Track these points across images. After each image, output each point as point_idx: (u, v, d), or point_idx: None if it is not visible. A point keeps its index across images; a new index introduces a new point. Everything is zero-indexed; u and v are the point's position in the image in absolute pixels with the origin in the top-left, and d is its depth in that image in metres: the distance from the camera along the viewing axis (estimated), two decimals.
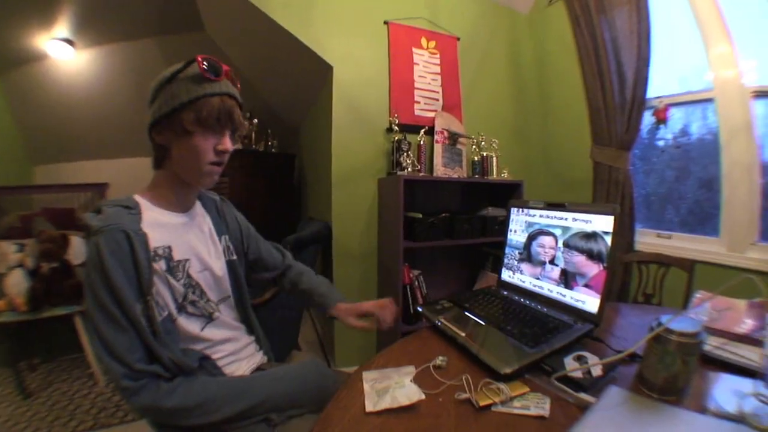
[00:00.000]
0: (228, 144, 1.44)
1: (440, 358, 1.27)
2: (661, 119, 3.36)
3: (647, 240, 3.42)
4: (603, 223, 1.51)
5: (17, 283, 3.66)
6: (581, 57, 3.60)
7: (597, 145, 3.51)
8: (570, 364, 1.18)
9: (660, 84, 3.36)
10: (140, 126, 4.99)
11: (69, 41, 6.10)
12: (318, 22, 3.62)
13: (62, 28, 5.81)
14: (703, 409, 1.00)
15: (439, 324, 1.53)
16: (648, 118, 3.40)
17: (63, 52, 6.20)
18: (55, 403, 3.48)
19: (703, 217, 3.19)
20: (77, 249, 4.17)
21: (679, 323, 1.07)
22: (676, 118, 3.35)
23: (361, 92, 3.72)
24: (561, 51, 4.06)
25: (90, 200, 7.51)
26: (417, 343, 1.47)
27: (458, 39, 4.12)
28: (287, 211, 5.60)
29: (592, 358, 1.19)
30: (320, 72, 3.90)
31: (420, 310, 1.71)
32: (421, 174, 3.62)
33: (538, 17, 4.43)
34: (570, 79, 3.91)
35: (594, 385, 1.09)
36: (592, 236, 1.53)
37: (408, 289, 3.42)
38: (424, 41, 3.96)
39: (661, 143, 3.49)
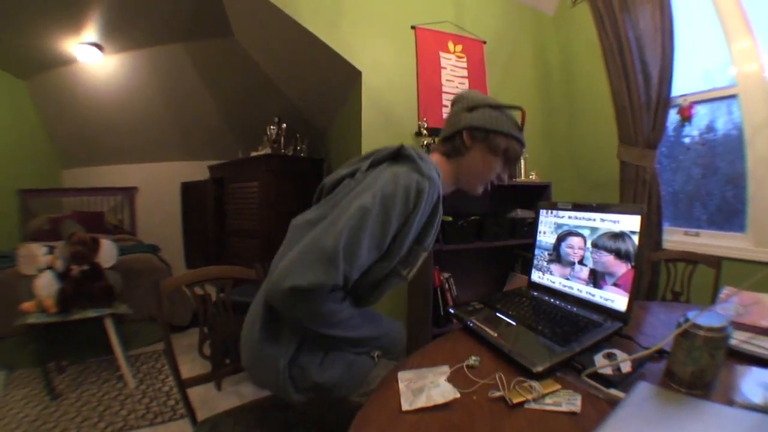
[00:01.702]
0: (505, 179, 1.85)
1: (473, 357, 1.31)
2: (686, 117, 3.36)
3: (675, 238, 3.43)
4: (630, 223, 1.54)
5: (47, 285, 3.71)
6: (606, 56, 3.61)
7: (624, 144, 3.51)
8: (600, 361, 1.21)
9: (684, 81, 3.35)
10: (168, 131, 5.12)
11: (98, 45, 6.14)
12: (346, 27, 3.68)
13: (91, 32, 5.88)
14: (730, 402, 1.03)
15: (471, 325, 1.57)
16: (673, 116, 3.39)
17: (91, 57, 6.27)
18: (84, 404, 3.52)
19: (730, 213, 3.19)
20: (107, 252, 4.19)
21: (706, 318, 1.10)
22: (702, 114, 3.35)
23: (389, 96, 3.84)
24: (586, 51, 4.09)
25: (119, 204, 7.72)
26: (450, 343, 1.51)
27: (484, 42, 4.17)
28: None
29: (621, 355, 1.22)
30: (349, 76, 3.97)
31: (452, 311, 1.75)
32: None
33: (563, 18, 4.45)
34: (596, 78, 3.91)
35: (624, 381, 1.12)
36: (620, 236, 1.57)
37: (438, 292, 3.44)
38: (450, 45, 4.05)
39: (687, 140, 3.50)
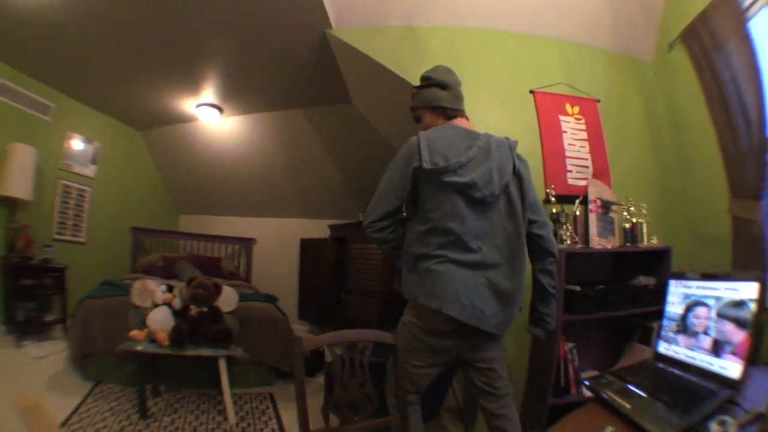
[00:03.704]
0: None
1: (609, 428, 1.58)
2: None
3: None
4: (749, 290, 1.73)
5: (162, 319, 4.20)
6: (708, 101, 3.69)
7: (735, 197, 3.51)
8: (713, 428, 1.46)
9: None
10: (288, 190, 5.81)
11: (217, 107, 6.89)
12: (467, 94, 3.79)
13: (209, 94, 6.57)
14: None
15: (606, 396, 1.83)
16: None
17: (210, 116, 7.07)
18: (177, 429, 3.86)
19: None
20: (228, 298, 4.69)
21: None
22: None
23: None
24: (690, 97, 4.05)
25: (236, 252, 8.92)
26: (587, 414, 1.82)
27: (598, 101, 4.35)
28: None
29: (730, 421, 1.46)
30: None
31: (587, 383, 2.07)
32: (578, 246, 3.77)
33: (663, 64, 4.48)
34: (702, 127, 3.88)
35: None
36: (740, 304, 1.75)
37: (562, 363, 3.55)
38: (568, 107, 4.24)
39: None
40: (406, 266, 2.59)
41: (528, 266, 2.59)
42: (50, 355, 5.46)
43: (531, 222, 2.57)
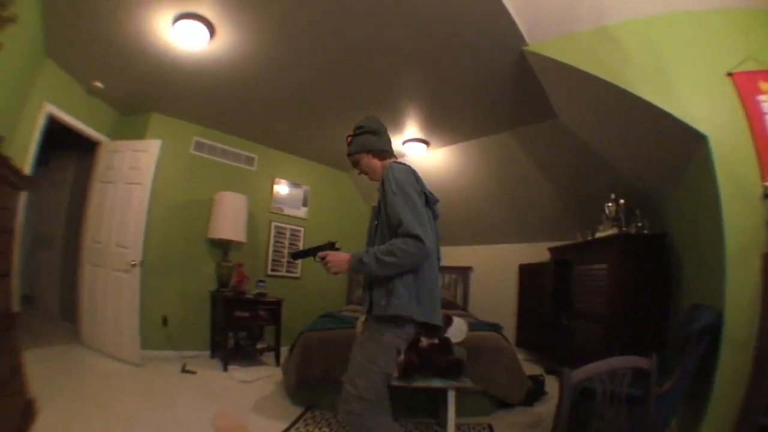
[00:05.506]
0: None
1: None
2: None
3: None
4: None
5: None
6: None
7: None
8: None
9: None
10: (503, 215, 6.83)
11: (422, 141, 7.36)
12: (674, 88, 3.84)
13: (413, 129, 7.02)
14: None
15: None
16: None
17: (417, 151, 7.54)
18: None
19: None
20: (458, 329, 4.77)
21: None
22: None
23: (734, 158, 3.68)
24: None
25: (454, 281, 9.48)
26: None
27: None
28: (656, 295, 5.30)
29: None
30: (688, 141, 3.99)
31: None
32: None
33: None
34: None
35: None
36: None
37: None
38: (762, 85, 3.76)
39: None
40: (404, 284, 2.79)
41: None
42: (258, 379, 6.03)
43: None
